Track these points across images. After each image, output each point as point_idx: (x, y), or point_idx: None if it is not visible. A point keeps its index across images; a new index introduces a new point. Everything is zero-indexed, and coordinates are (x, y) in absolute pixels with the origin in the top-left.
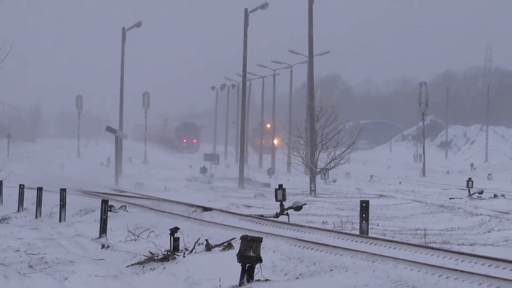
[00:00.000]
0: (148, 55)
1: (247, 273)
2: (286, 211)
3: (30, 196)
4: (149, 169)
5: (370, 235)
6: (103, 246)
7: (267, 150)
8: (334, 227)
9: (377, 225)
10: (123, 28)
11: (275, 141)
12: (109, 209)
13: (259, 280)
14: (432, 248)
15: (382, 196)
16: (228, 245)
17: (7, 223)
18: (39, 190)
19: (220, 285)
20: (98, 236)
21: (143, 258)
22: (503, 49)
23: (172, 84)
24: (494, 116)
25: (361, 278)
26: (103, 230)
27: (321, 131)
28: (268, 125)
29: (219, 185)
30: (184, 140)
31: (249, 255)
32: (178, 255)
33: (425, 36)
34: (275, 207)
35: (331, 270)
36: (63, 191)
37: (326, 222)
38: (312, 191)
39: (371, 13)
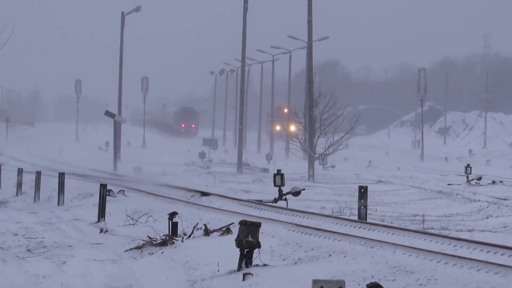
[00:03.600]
0: (147, 39)
1: (246, 258)
2: (284, 197)
3: (28, 180)
4: (147, 153)
5: (368, 220)
6: (101, 231)
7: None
8: (333, 212)
9: (376, 211)
10: (122, 13)
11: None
12: (107, 193)
13: (257, 265)
14: (431, 234)
15: (381, 182)
16: (227, 230)
17: (6, 207)
18: (38, 174)
19: (218, 270)
20: (97, 220)
21: (141, 242)
22: (502, 36)
23: (171, 69)
24: (492, 102)
25: (359, 263)
26: (101, 214)
27: (320, 117)
28: (286, 110)
29: (217, 170)
30: (183, 125)
31: (248, 240)
32: (177, 240)
33: (424, 23)
34: (274, 192)
35: (330, 255)
36: (61, 175)
37: (325, 207)
38: (311, 176)
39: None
